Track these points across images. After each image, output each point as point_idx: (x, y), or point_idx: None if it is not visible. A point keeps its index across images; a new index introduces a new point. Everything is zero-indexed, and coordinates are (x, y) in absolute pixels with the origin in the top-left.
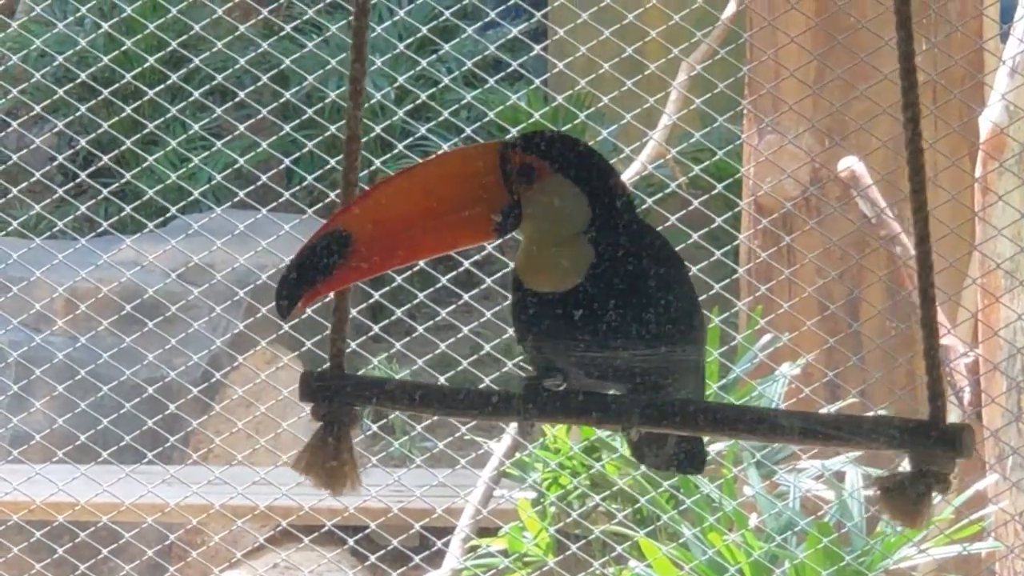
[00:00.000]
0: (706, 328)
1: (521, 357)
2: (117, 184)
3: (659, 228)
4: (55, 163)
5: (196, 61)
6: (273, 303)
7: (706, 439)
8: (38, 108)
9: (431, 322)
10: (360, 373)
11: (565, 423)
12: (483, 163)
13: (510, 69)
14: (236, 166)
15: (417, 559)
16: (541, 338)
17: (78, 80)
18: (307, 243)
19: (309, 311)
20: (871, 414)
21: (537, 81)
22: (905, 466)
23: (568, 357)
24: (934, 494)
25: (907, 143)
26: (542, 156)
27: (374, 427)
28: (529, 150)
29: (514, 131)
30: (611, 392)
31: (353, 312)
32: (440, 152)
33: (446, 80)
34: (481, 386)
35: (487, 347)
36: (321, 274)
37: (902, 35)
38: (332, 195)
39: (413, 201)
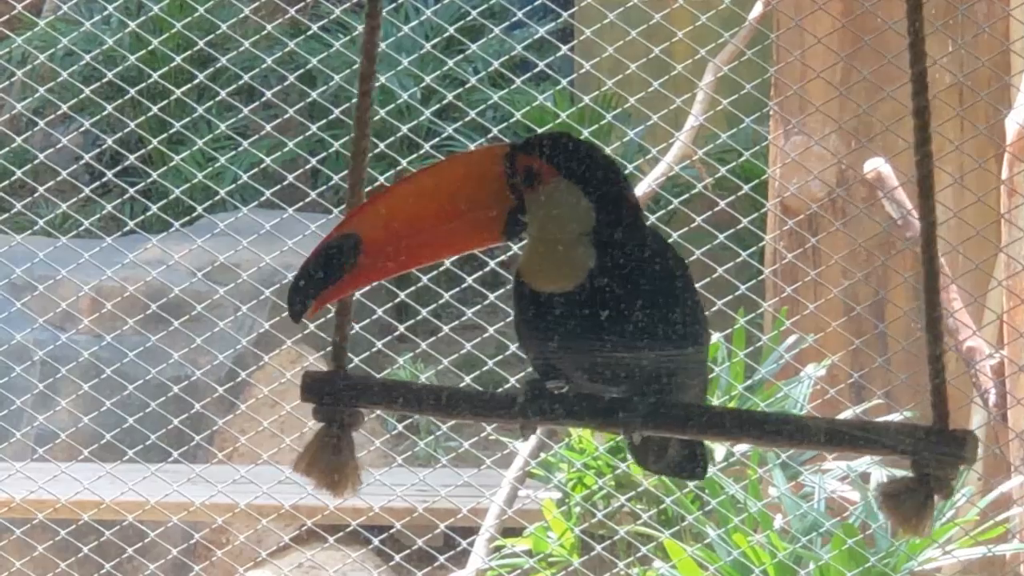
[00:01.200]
0: (708, 332)
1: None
2: (143, 183)
3: (685, 229)
4: (81, 162)
5: (223, 60)
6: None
7: (723, 444)
8: (64, 107)
9: (457, 322)
10: (385, 373)
11: (567, 426)
12: (489, 166)
13: (536, 69)
14: (262, 166)
15: (442, 559)
16: (542, 339)
17: (105, 79)
18: (318, 247)
19: (331, 307)
20: (896, 416)
21: (564, 81)
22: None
23: (569, 358)
24: (938, 501)
25: (916, 147)
26: (546, 159)
27: (399, 427)
28: (533, 153)
29: (538, 132)
30: (614, 395)
31: (379, 312)
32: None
33: (473, 80)
34: (507, 386)
35: (513, 347)
36: (332, 277)
37: (912, 40)
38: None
39: (421, 204)
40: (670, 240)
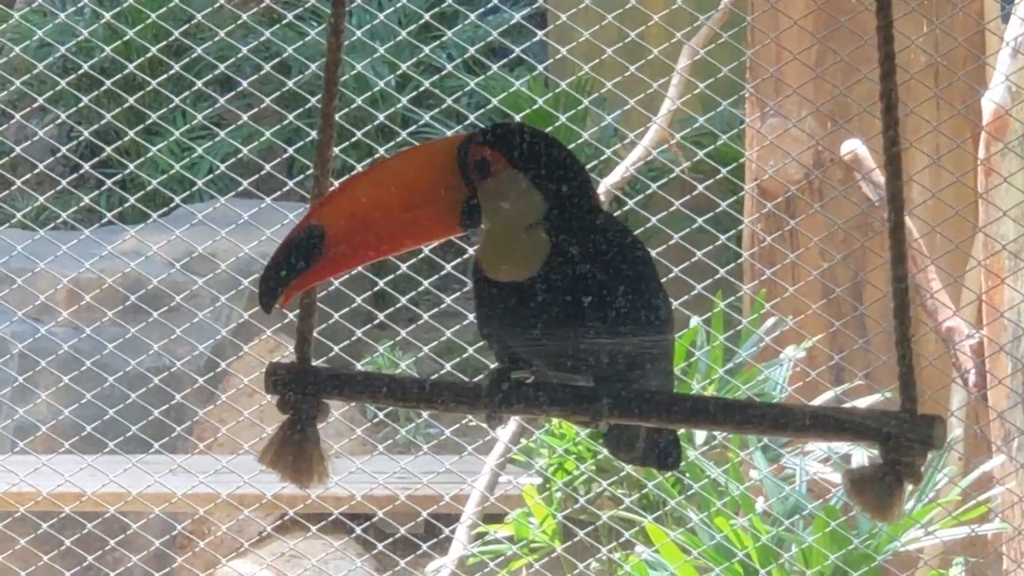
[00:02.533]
0: (672, 318)
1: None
2: (120, 175)
3: (663, 213)
4: (57, 154)
5: (198, 50)
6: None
7: (695, 435)
8: (40, 99)
9: (436, 309)
10: (364, 361)
11: (532, 415)
12: (443, 157)
13: (512, 55)
14: (239, 155)
15: (424, 547)
16: (501, 328)
17: (80, 71)
18: (285, 239)
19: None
20: (877, 395)
21: (540, 67)
22: (876, 458)
23: (530, 348)
24: (907, 485)
25: (884, 130)
26: (497, 149)
27: (380, 414)
28: (484, 143)
29: (517, 118)
30: (580, 383)
31: (358, 300)
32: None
33: (448, 67)
34: (474, 380)
35: None
36: (300, 268)
37: (881, 23)
38: (336, 183)
39: (380, 195)
40: (649, 224)
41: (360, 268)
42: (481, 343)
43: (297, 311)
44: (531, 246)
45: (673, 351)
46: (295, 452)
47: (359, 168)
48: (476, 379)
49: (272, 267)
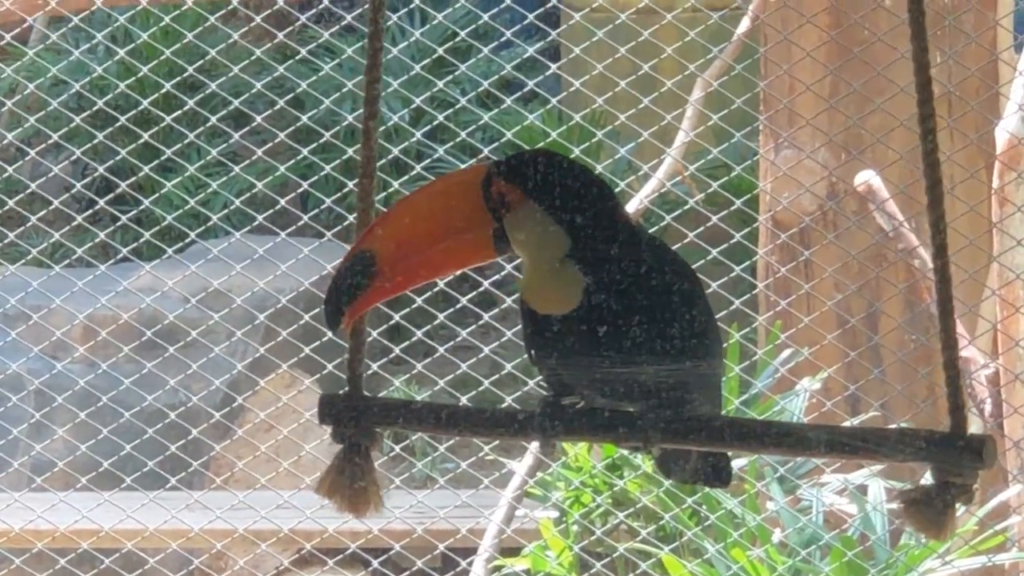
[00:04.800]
0: (721, 340)
1: (540, 377)
2: (134, 211)
3: (676, 245)
4: (72, 191)
5: (212, 86)
6: (293, 326)
7: (730, 453)
8: (55, 136)
9: (451, 343)
10: (381, 395)
11: (585, 441)
12: (469, 187)
13: (525, 89)
14: (253, 191)
15: None
16: (551, 358)
17: (94, 108)
18: (340, 263)
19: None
20: (894, 427)
21: (553, 100)
22: (928, 478)
23: (579, 376)
24: (958, 505)
25: (924, 155)
26: (514, 183)
27: (396, 448)
28: (504, 177)
29: (514, 152)
30: (630, 409)
31: (373, 334)
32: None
33: (462, 101)
34: (504, 405)
35: (508, 366)
36: (354, 292)
37: (917, 46)
38: (350, 218)
39: (418, 223)
40: None
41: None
42: (496, 376)
43: (320, 343)
44: (566, 280)
45: (722, 373)
46: (350, 482)
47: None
48: (516, 406)
49: (333, 291)
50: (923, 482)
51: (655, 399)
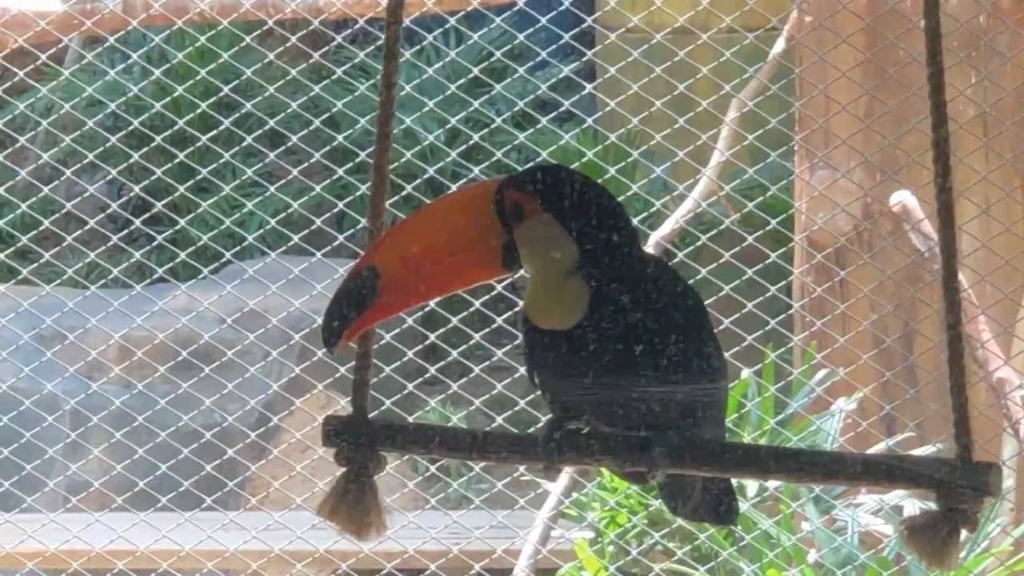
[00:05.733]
0: (724, 365)
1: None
2: (170, 231)
3: (713, 265)
4: (107, 211)
5: (248, 106)
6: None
7: (746, 487)
8: (91, 156)
9: (486, 363)
10: (415, 416)
11: (588, 465)
12: (481, 201)
13: (561, 109)
14: (289, 211)
15: None
16: (551, 378)
17: (129, 128)
18: (343, 280)
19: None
20: (929, 448)
21: (589, 120)
22: (932, 505)
23: (580, 397)
24: (965, 533)
25: (935, 179)
26: (530, 193)
27: (432, 468)
28: (518, 187)
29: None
30: (634, 434)
31: (409, 354)
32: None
33: (498, 121)
34: (539, 425)
35: None
36: (359, 308)
37: (932, 72)
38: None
39: (427, 238)
40: (699, 276)
41: (410, 322)
42: (532, 396)
43: (353, 364)
44: (570, 293)
45: (725, 399)
46: (353, 504)
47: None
48: (530, 430)
49: (332, 309)
50: (926, 509)
51: (660, 422)
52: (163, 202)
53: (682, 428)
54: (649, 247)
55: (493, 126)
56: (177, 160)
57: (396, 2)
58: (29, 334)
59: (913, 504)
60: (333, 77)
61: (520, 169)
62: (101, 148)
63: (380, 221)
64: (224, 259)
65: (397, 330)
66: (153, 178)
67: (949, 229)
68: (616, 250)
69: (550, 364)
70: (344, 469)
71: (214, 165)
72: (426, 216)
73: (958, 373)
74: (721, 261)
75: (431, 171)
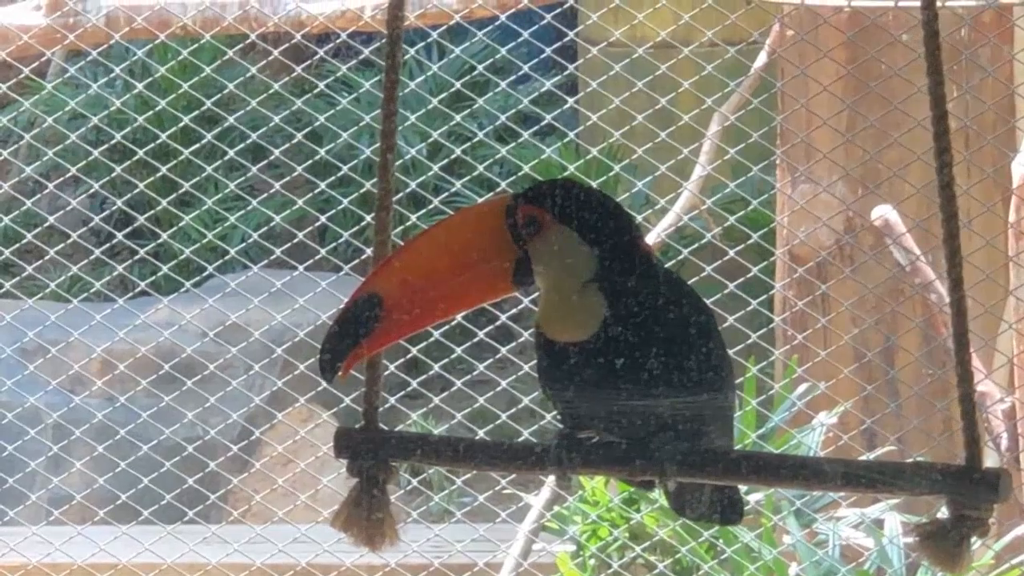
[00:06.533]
0: (733, 374)
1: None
2: (152, 245)
3: (694, 279)
4: (90, 225)
5: (230, 120)
6: (310, 360)
7: (744, 488)
8: (73, 170)
9: (468, 376)
10: (398, 429)
11: (601, 474)
12: (493, 217)
13: (543, 123)
14: (271, 225)
15: None
16: (566, 390)
17: (111, 141)
18: (342, 309)
19: (358, 369)
20: (910, 460)
21: (571, 134)
22: (943, 512)
23: (594, 409)
24: (973, 538)
25: (940, 189)
26: (545, 207)
27: (414, 481)
28: (533, 201)
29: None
30: (646, 442)
31: (391, 368)
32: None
33: (480, 135)
34: (521, 439)
35: (525, 400)
36: (359, 336)
37: (933, 81)
38: (368, 252)
39: (433, 259)
40: None
41: (419, 331)
42: (513, 410)
43: (350, 377)
44: (587, 305)
45: (734, 407)
46: (366, 515)
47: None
48: (520, 439)
49: (331, 337)
50: (938, 515)
51: (671, 432)
52: (145, 216)
53: (693, 437)
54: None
55: (475, 140)
56: (160, 174)
57: (396, 27)
58: (11, 347)
59: (894, 517)
60: (315, 91)
61: (503, 183)
62: (84, 162)
63: (386, 237)
64: (206, 272)
65: (405, 337)
66: (136, 192)
67: (954, 240)
68: (632, 261)
69: (564, 376)
70: (355, 480)
71: (197, 179)
72: (430, 238)
73: (967, 384)
74: (703, 275)
75: (413, 184)
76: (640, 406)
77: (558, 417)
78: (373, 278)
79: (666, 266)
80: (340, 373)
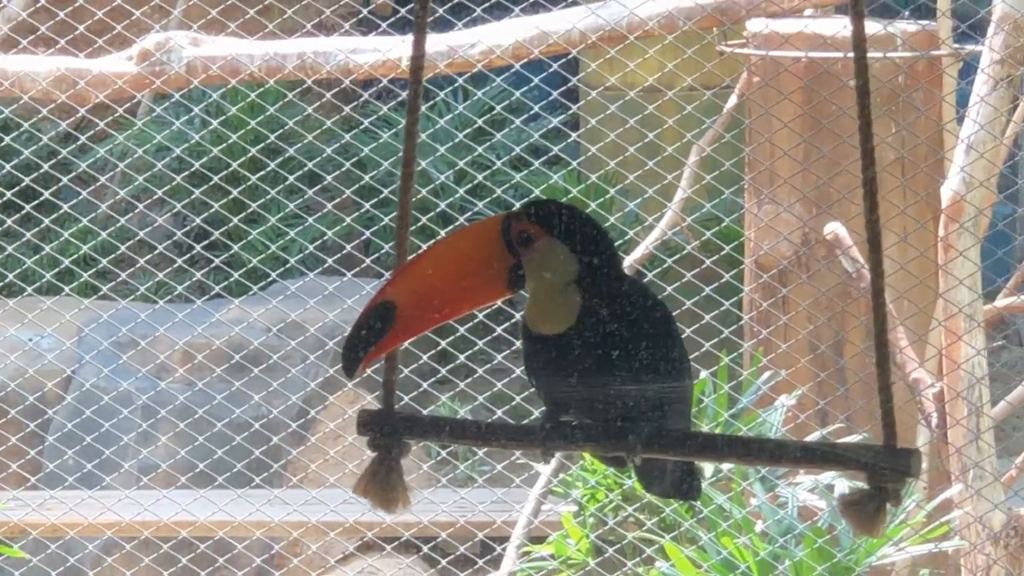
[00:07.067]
0: (689, 367)
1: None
2: (225, 255)
3: (677, 284)
4: (173, 239)
5: (290, 151)
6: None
7: (704, 469)
8: (159, 193)
9: (488, 365)
10: (429, 410)
11: (578, 451)
12: (489, 233)
13: (550, 154)
14: (324, 238)
15: (480, 563)
16: (547, 374)
17: (191, 169)
18: (361, 314)
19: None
20: (855, 436)
21: (573, 163)
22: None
23: (572, 394)
24: (888, 506)
25: (866, 212)
26: (537, 223)
27: (443, 453)
28: (525, 219)
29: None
30: (616, 424)
31: (424, 357)
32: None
33: (498, 164)
34: (525, 421)
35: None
36: (375, 339)
37: (862, 122)
38: None
39: (439, 270)
40: (665, 293)
41: (427, 332)
42: (526, 393)
43: (378, 366)
44: (566, 303)
45: (691, 396)
46: (383, 483)
47: (423, 247)
48: (524, 421)
49: (351, 339)
50: (859, 487)
51: (637, 414)
52: (219, 231)
53: (654, 420)
54: (625, 269)
55: (494, 168)
56: (231, 196)
57: (417, 67)
58: (108, 341)
59: (843, 483)
60: (361, 127)
61: (517, 204)
62: (168, 186)
63: (404, 255)
64: (270, 278)
65: (413, 338)
66: (211, 211)
67: (877, 253)
68: (604, 269)
69: (544, 364)
70: (374, 454)
71: (262, 200)
72: (436, 252)
73: (885, 374)
74: (683, 280)
75: (443, 205)
76: (607, 392)
77: (542, 402)
78: (386, 288)
79: (651, 273)
80: (360, 369)
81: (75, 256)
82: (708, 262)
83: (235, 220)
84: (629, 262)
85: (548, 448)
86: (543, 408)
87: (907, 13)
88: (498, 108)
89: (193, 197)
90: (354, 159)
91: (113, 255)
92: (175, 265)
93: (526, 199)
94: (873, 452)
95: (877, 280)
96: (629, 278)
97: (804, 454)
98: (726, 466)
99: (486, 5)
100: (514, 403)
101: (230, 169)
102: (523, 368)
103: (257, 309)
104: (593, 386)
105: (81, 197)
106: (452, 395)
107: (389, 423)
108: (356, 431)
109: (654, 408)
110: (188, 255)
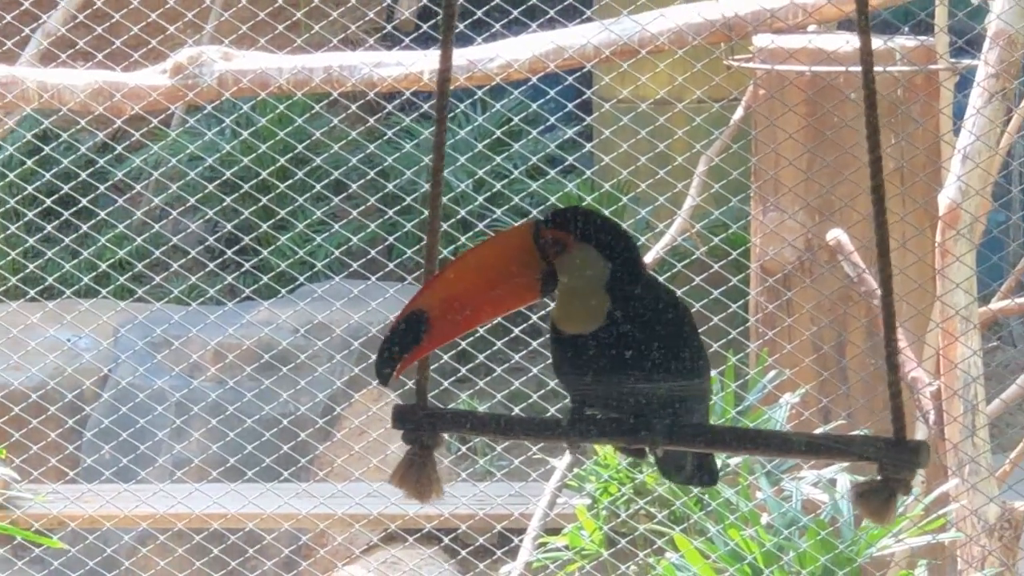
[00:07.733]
0: (707, 361)
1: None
2: (255, 259)
3: (686, 287)
4: (205, 244)
5: (317, 160)
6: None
7: (720, 458)
8: (192, 200)
9: (506, 365)
10: (449, 407)
11: (602, 443)
12: (520, 240)
13: (565, 163)
14: (349, 244)
15: (499, 553)
16: (573, 373)
17: (223, 177)
18: (394, 323)
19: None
20: (856, 432)
21: (587, 172)
22: (875, 475)
23: (596, 388)
24: (899, 496)
25: (875, 218)
26: (569, 229)
27: (463, 448)
28: (557, 225)
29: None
30: (638, 418)
31: (444, 357)
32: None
33: (516, 173)
34: (547, 415)
35: (552, 383)
36: (408, 346)
37: (870, 132)
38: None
39: (470, 278)
40: None
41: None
42: (541, 392)
43: (411, 367)
44: (595, 304)
45: (709, 390)
46: (417, 474)
47: (444, 253)
48: (546, 415)
49: (386, 346)
50: (871, 478)
51: (658, 408)
52: (249, 236)
53: (675, 414)
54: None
55: (512, 177)
56: (261, 203)
57: (443, 80)
58: (143, 341)
59: (844, 478)
60: (385, 138)
61: (534, 211)
62: (200, 194)
63: (434, 262)
64: (298, 282)
65: (444, 343)
66: (242, 218)
67: (885, 256)
68: (631, 270)
69: (572, 362)
70: (408, 446)
71: (290, 207)
72: (466, 260)
73: (893, 370)
74: (692, 284)
75: (463, 212)
76: (632, 387)
77: (569, 397)
78: (418, 297)
79: (660, 278)
80: (394, 376)
81: (112, 260)
82: (716, 267)
83: (264, 226)
84: None
85: (574, 439)
86: (568, 402)
87: (906, 29)
88: (515, 120)
89: (224, 204)
90: (378, 168)
91: (148, 260)
92: (207, 269)
93: (548, 206)
94: (879, 444)
95: (886, 281)
96: (651, 277)
97: (810, 447)
98: (734, 460)
99: (505, 21)
100: (531, 400)
101: (260, 178)
102: (541, 366)
103: (285, 311)
104: (618, 382)
105: (117, 204)
106: (471, 393)
107: (424, 417)
108: (391, 425)
109: (674, 402)
110: (219, 260)
